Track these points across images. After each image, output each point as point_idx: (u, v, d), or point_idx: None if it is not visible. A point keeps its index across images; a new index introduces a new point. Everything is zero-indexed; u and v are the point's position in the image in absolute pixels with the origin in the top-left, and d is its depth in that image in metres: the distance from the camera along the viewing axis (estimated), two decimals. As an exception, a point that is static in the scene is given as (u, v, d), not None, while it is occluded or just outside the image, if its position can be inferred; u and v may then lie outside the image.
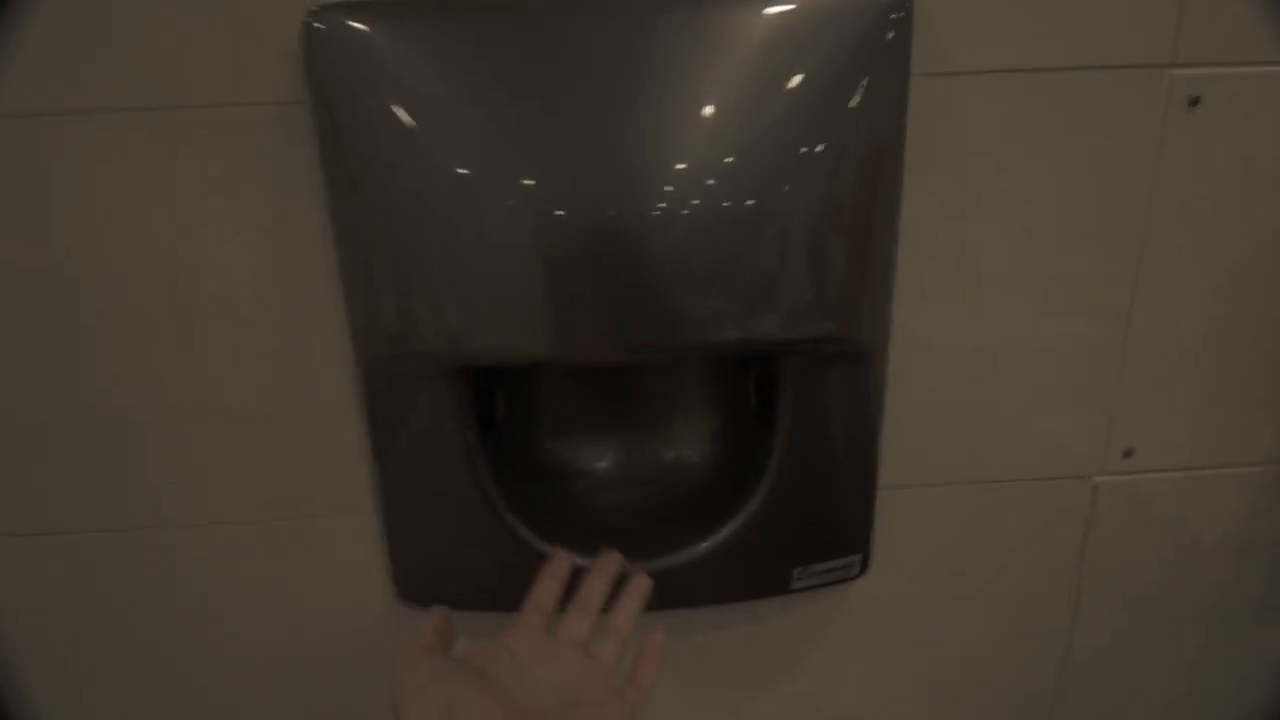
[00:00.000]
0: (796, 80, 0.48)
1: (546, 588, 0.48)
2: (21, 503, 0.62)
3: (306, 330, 0.57)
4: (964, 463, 0.65)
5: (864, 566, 0.64)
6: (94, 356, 0.57)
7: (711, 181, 0.48)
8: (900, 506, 0.65)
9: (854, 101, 0.49)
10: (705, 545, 0.59)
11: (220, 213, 0.54)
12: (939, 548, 0.68)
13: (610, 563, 0.50)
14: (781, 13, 0.47)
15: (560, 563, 0.50)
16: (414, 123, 0.47)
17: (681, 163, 0.47)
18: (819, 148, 0.49)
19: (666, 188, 0.48)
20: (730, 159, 0.48)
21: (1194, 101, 0.55)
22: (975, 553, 0.68)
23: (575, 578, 0.49)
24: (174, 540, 0.63)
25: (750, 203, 0.48)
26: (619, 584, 0.50)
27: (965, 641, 0.71)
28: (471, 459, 0.54)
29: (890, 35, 0.49)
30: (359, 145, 0.48)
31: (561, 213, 0.47)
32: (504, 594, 0.48)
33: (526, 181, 0.47)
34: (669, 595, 0.62)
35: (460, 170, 0.47)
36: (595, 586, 0.48)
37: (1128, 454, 0.65)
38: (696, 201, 0.48)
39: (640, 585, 0.49)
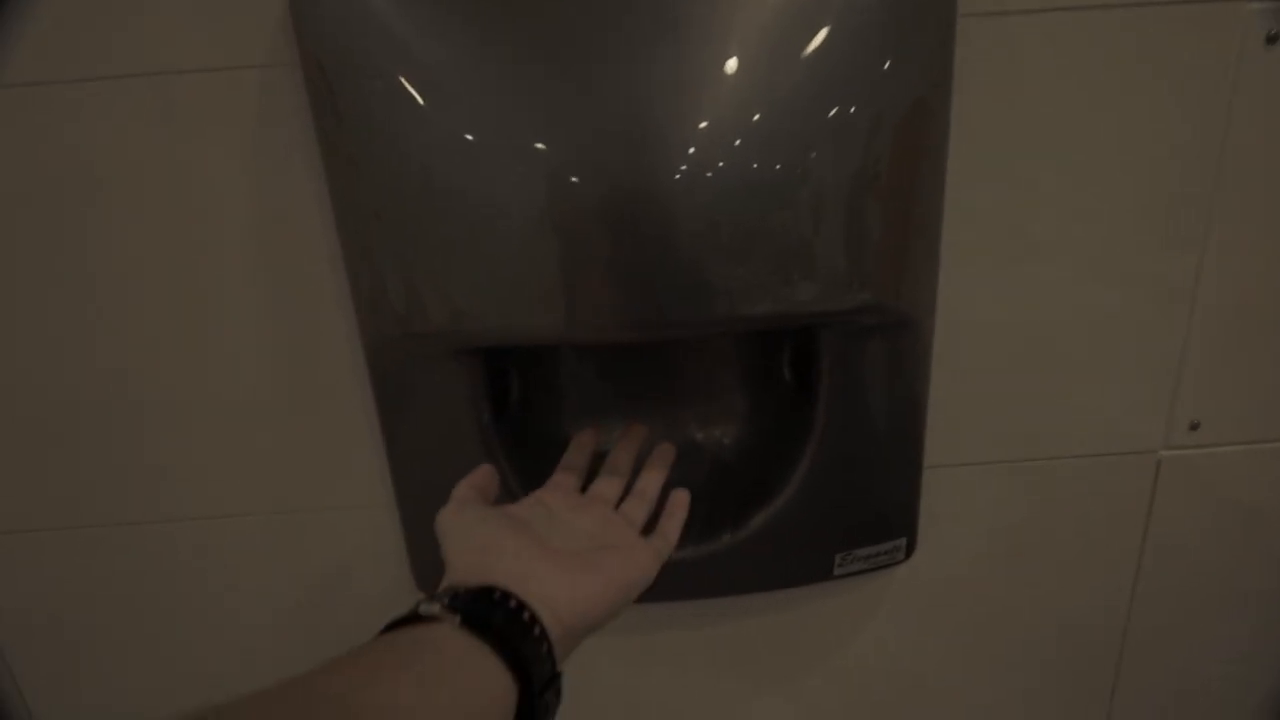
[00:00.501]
0: (829, 26, 0.44)
1: (576, 454, 0.51)
2: (19, 499, 0.61)
3: (309, 310, 0.54)
4: (1016, 440, 0.61)
5: (910, 550, 0.61)
6: (93, 343, 0.56)
7: (738, 142, 0.44)
8: (948, 487, 0.61)
9: (894, 48, 0.45)
10: (742, 532, 0.56)
11: (217, 188, 0.52)
12: (990, 530, 0.64)
13: (636, 434, 0.53)
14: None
15: (588, 434, 0.52)
16: (411, 86, 0.43)
17: (705, 121, 0.43)
18: (855, 101, 0.44)
19: (689, 149, 0.43)
20: (758, 117, 0.44)
21: (1273, 38, 0.50)
22: (1029, 535, 0.64)
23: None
24: (183, 534, 0.62)
25: (780, 165, 0.44)
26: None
27: (1018, 628, 0.68)
28: (487, 443, 0.51)
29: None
30: (353, 112, 0.45)
31: (575, 178, 0.43)
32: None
33: (537, 145, 0.43)
34: (705, 584, 0.59)
35: (464, 135, 0.43)
36: (623, 454, 0.51)
37: (1194, 427, 0.61)
38: (722, 164, 0.43)
39: (664, 453, 0.52)
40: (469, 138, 0.43)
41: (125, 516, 0.61)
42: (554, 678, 0.35)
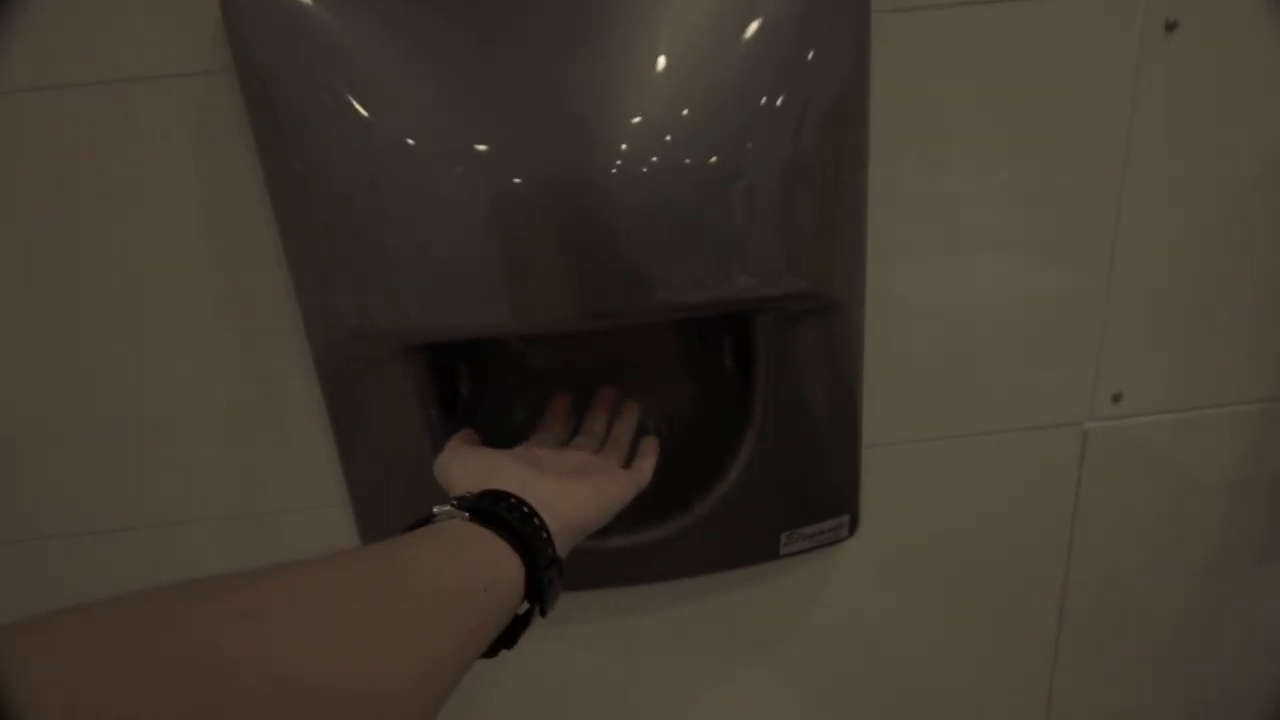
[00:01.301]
0: (751, 24, 0.46)
1: (553, 419, 0.55)
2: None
3: (257, 312, 0.55)
4: (949, 417, 0.63)
5: (853, 527, 0.63)
6: (42, 352, 0.56)
7: (669, 137, 0.45)
8: (887, 464, 0.63)
9: (813, 43, 0.47)
10: (690, 515, 0.58)
11: (161, 195, 0.52)
12: (929, 504, 0.66)
13: (607, 397, 0.57)
14: (730, -49, 0.45)
15: (562, 401, 0.57)
16: (345, 90, 0.44)
17: (636, 117, 0.45)
18: (779, 95, 0.47)
19: (622, 145, 0.45)
20: (687, 111, 0.46)
21: (1171, 26, 0.53)
22: (966, 507, 0.67)
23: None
24: (140, 542, 0.61)
25: (710, 158, 0.46)
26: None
27: (961, 595, 0.70)
28: (436, 440, 0.52)
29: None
30: (289, 117, 0.46)
31: (511, 175, 0.44)
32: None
33: (474, 146, 0.44)
34: (654, 568, 0.61)
35: (400, 137, 0.44)
36: (598, 416, 0.56)
37: (1116, 398, 0.64)
38: (655, 158, 0.45)
39: (631, 410, 0.57)
40: (407, 140, 0.44)
41: (80, 526, 0.61)
42: (555, 560, 0.39)
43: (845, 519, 0.62)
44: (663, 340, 0.61)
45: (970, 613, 0.71)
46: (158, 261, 0.54)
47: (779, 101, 0.47)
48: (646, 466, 0.52)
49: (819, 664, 0.72)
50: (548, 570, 0.38)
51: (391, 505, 0.57)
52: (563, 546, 0.41)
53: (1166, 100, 0.55)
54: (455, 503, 0.39)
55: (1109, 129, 0.56)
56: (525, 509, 0.39)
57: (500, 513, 0.38)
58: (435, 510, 0.38)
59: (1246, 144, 0.57)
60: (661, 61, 0.46)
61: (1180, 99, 0.55)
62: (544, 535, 0.39)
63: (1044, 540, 0.69)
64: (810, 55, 0.47)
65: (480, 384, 0.58)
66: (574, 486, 0.44)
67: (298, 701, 0.24)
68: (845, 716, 0.75)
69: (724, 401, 0.59)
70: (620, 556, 0.58)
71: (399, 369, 0.50)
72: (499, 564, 0.36)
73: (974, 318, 0.60)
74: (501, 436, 0.52)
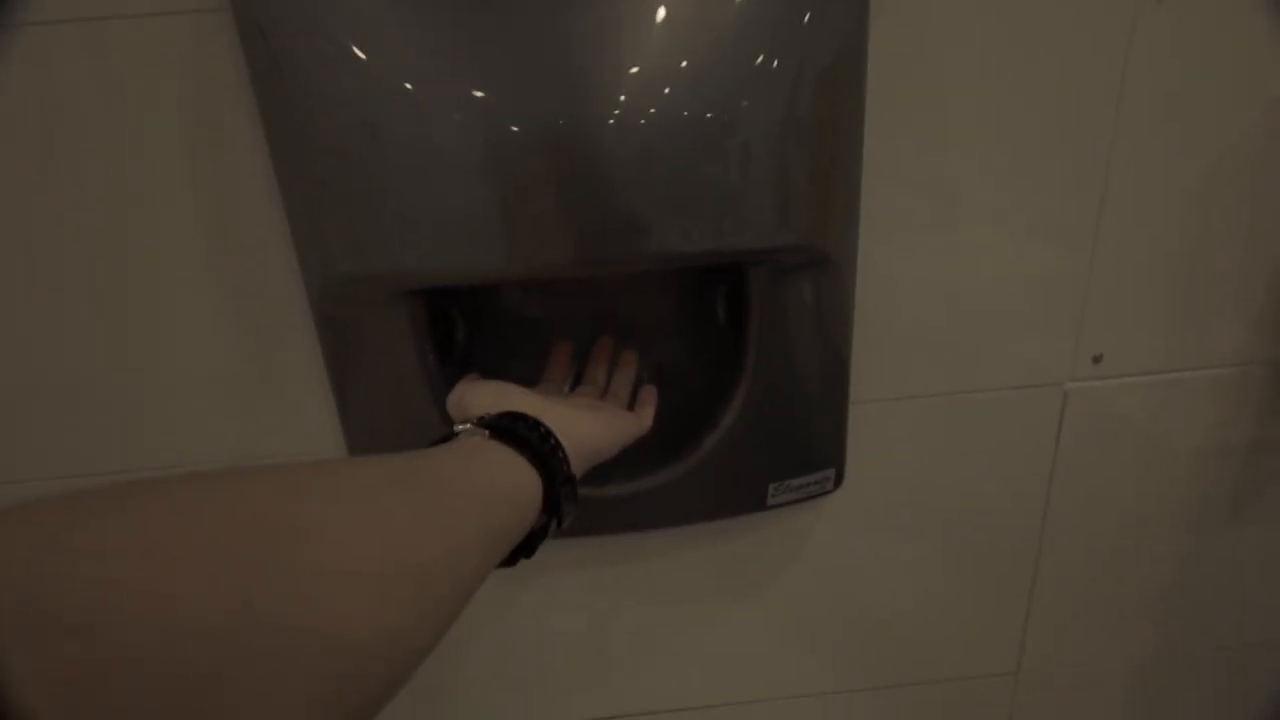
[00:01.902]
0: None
1: (556, 368, 0.57)
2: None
3: (253, 258, 0.55)
4: (934, 375, 0.65)
5: (839, 480, 0.64)
6: (32, 297, 0.56)
7: (667, 90, 0.46)
8: (872, 420, 0.65)
9: (810, 5, 0.47)
10: (681, 464, 0.59)
11: (153, 136, 0.52)
12: (912, 460, 0.68)
13: (605, 346, 0.59)
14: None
15: (563, 348, 0.58)
16: (344, 33, 0.44)
17: (634, 68, 0.45)
18: (777, 52, 0.47)
19: (620, 96, 0.45)
20: (685, 64, 0.46)
21: (1161, -3, 0.54)
22: (948, 463, 0.68)
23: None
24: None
25: (707, 111, 0.46)
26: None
27: (942, 548, 0.73)
28: (433, 387, 0.53)
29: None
30: (284, 60, 0.45)
31: (509, 123, 0.45)
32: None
33: (472, 92, 0.45)
34: (645, 516, 0.62)
35: (400, 83, 0.44)
36: (598, 365, 0.57)
37: (1097, 359, 0.65)
38: (653, 110, 0.46)
39: (630, 360, 0.59)
40: (405, 85, 0.44)
41: (76, 471, 0.62)
42: (569, 478, 0.41)
43: (831, 472, 0.64)
44: (657, 293, 0.61)
45: (949, 565, 0.73)
46: (151, 208, 0.54)
47: (775, 60, 0.47)
48: (647, 413, 0.54)
49: (803, 611, 0.74)
50: (563, 486, 0.40)
51: (387, 451, 0.58)
52: (577, 467, 0.42)
53: (1155, 71, 0.56)
54: (475, 421, 0.40)
55: (1102, 94, 0.56)
56: (542, 429, 0.41)
57: (519, 431, 0.40)
58: (456, 428, 0.40)
59: (1230, 114, 0.58)
60: (661, 13, 0.46)
61: (1169, 70, 0.56)
62: (560, 454, 0.41)
63: (1022, 496, 0.71)
64: (807, 17, 0.47)
65: (476, 333, 0.59)
66: (587, 415, 0.46)
67: (342, 572, 0.25)
68: (827, 661, 0.77)
69: (716, 354, 0.60)
70: (611, 505, 0.59)
71: (396, 314, 0.51)
72: (518, 477, 0.38)
73: (960, 281, 0.62)
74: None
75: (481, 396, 0.46)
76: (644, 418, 0.53)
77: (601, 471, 0.52)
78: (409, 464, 0.33)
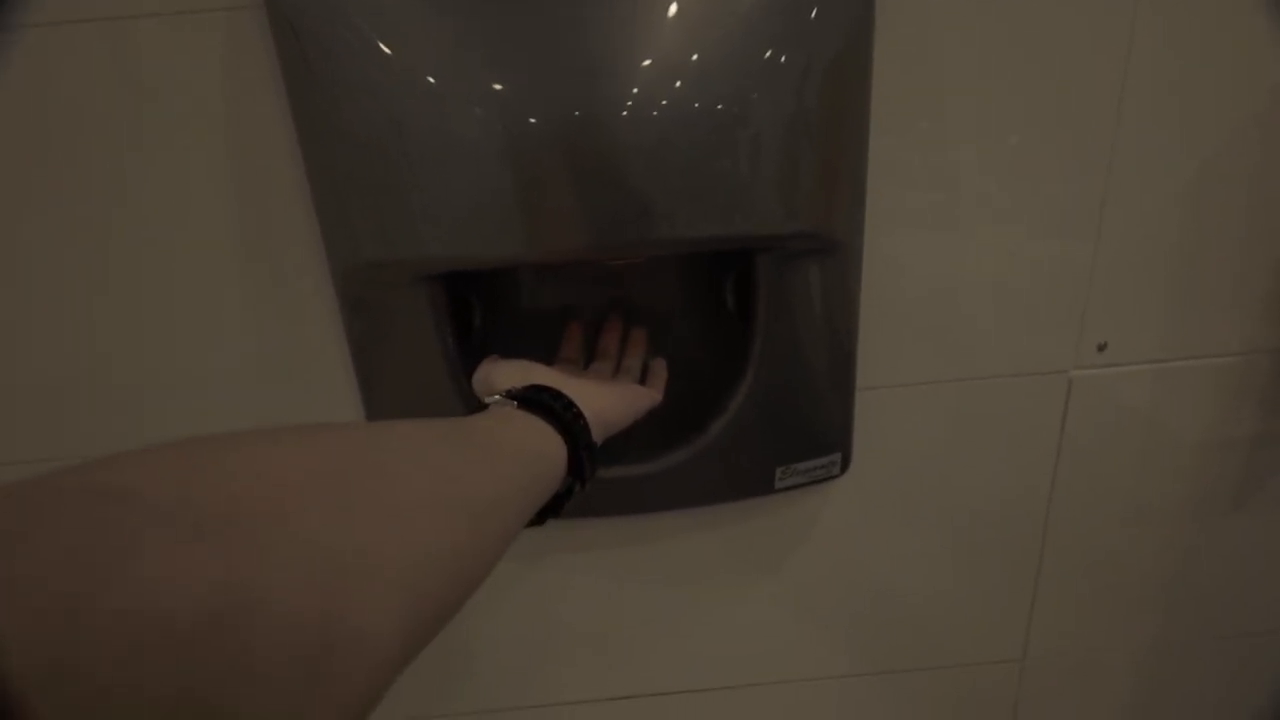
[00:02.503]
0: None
1: (570, 346, 0.60)
2: None
3: (280, 246, 0.57)
4: (940, 363, 0.66)
5: (845, 465, 0.66)
6: (63, 281, 0.58)
7: (679, 82, 0.48)
8: (879, 407, 0.66)
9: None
10: (690, 447, 0.61)
11: (185, 128, 0.54)
12: (918, 446, 0.69)
13: (616, 325, 0.62)
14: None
15: (575, 329, 0.61)
16: (372, 29, 0.46)
17: (647, 60, 0.47)
18: (784, 44, 0.49)
19: (634, 88, 0.47)
20: (696, 57, 0.48)
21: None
22: (954, 450, 0.70)
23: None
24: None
25: (719, 105, 0.48)
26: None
27: (948, 533, 0.74)
28: (452, 369, 0.55)
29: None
30: (317, 56, 0.48)
31: (527, 115, 0.47)
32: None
33: (492, 85, 0.47)
34: (655, 498, 0.64)
35: (423, 75, 0.46)
36: (609, 342, 0.60)
37: (1101, 348, 0.66)
38: (665, 102, 0.48)
39: (639, 338, 0.61)
40: (428, 79, 0.47)
41: (101, 449, 0.64)
42: (591, 444, 0.44)
43: (838, 456, 0.65)
44: (667, 280, 0.63)
45: (954, 552, 0.75)
46: (182, 196, 0.56)
47: (784, 53, 0.49)
48: (659, 386, 0.57)
49: (809, 595, 0.75)
50: (585, 450, 0.43)
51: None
52: (596, 436, 0.46)
53: (1157, 62, 0.57)
54: (504, 394, 0.44)
55: (1106, 82, 0.57)
56: (565, 399, 0.44)
57: (544, 400, 0.43)
58: (487, 400, 0.44)
59: (1231, 105, 0.59)
60: (673, 9, 0.48)
61: (1170, 62, 0.57)
62: (582, 422, 0.44)
63: (1027, 483, 0.72)
64: (814, 12, 0.49)
65: (493, 318, 0.61)
66: (605, 389, 0.50)
67: (407, 507, 0.28)
68: (833, 645, 0.78)
69: (724, 339, 0.61)
70: (620, 487, 0.61)
71: (417, 299, 0.53)
72: (546, 441, 0.41)
73: (966, 269, 0.63)
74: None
75: (507, 373, 0.49)
76: (655, 391, 0.56)
77: (612, 453, 0.54)
78: (452, 425, 0.37)
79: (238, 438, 0.26)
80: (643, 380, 0.57)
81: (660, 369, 0.59)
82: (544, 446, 0.41)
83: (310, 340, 0.60)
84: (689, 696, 0.79)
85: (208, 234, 0.57)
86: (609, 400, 0.49)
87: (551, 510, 0.42)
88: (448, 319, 0.54)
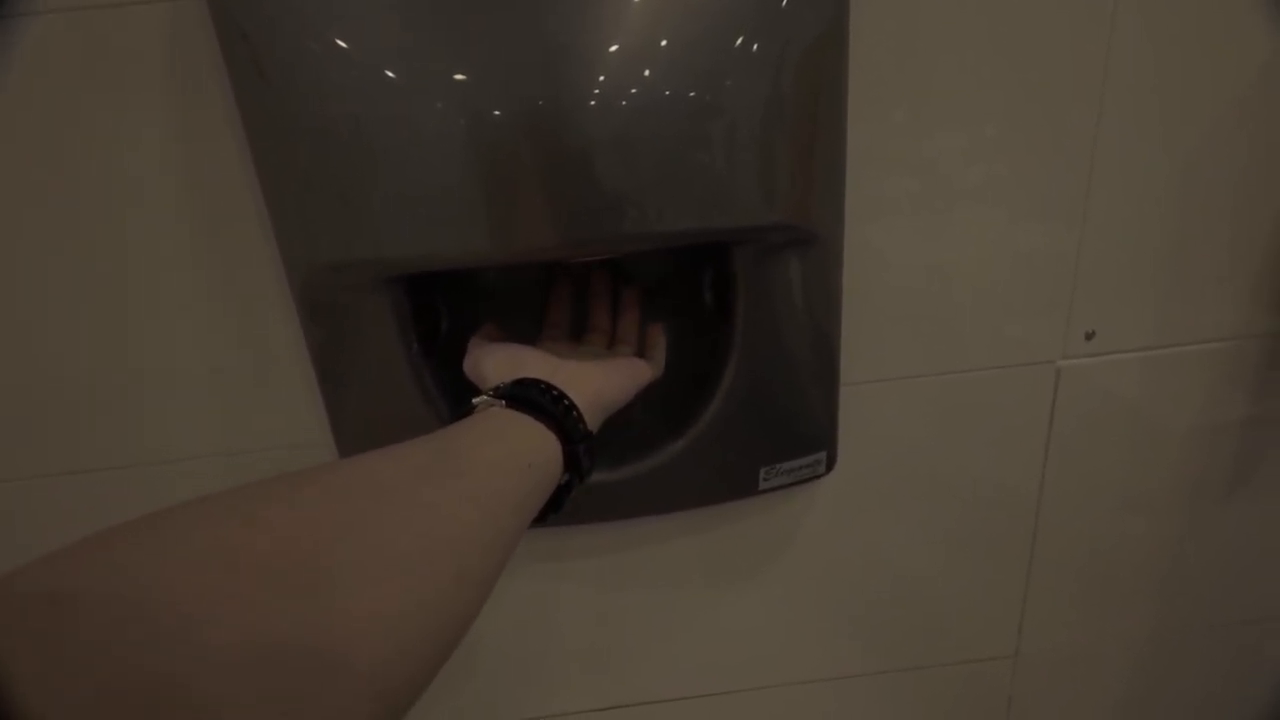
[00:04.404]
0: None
1: (557, 309, 0.58)
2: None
3: (234, 250, 0.55)
4: (925, 356, 0.64)
5: (830, 463, 0.64)
6: (13, 289, 0.55)
7: (648, 71, 0.46)
8: (864, 402, 0.65)
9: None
10: (671, 449, 0.59)
11: (131, 128, 0.52)
12: (905, 442, 0.68)
13: (602, 284, 0.59)
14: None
15: (562, 286, 0.59)
16: (319, 20, 0.44)
17: (614, 47, 0.45)
18: (756, 31, 0.47)
19: (600, 76, 0.45)
20: (665, 44, 0.46)
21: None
22: (942, 445, 0.68)
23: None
24: (131, 481, 0.62)
25: (690, 92, 0.46)
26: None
27: (937, 530, 0.72)
28: (417, 374, 0.53)
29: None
30: (262, 49, 0.45)
31: (491, 107, 0.44)
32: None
33: (452, 76, 0.44)
34: (635, 503, 0.62)
35: (380, 70, 0.44)
36: (600, 310, 0.57)
37: (1089, 336, 0.65)
38: (634, 90, 0.45)
39: (632, 300, 0.58)
40: (385, 72, 0.44)
41: (69, 465, 0.61)
42: (587, 436, 0.43)
43: (823, 455, 0.63)
44: (643, 277, 0.61)
45: (945, 548, 0.73)
46: (130, 200, 0.53)
47: (756, 38, 0.47)
48: (658, 356, 0.55)
49: (798, 597, 0.74)
50: (581, 444, 0.42)
51: (374, 442, 0.57)
52: (593, 421, 0.44)
53: (1141, 47, 0.56)
54: (491, 393, 0.42)
55: (1088, 67, 0.56)
56: (555, 392, 0.43)
57: (533, 397, 0.42)
58: (475, 401, 0.42)
59: (1217, 87, 0.58)
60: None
61: (1154, 45, 0.56)
62: (574, 414, 0.43)
63: (1017, 476, 0.70)
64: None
65: (460, 321, 0.58)
66: (598, 368, 0.48)
67: (387, 568, 0.26)
68: (823, 647, 0.77)
69: (704, 338, 0.59)
70: (601, 492, 0.59)
71: (380, 302, 0.50)
72: (538, 443, 0.40)
73: (950, 260, 0.61)
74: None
75: (495, 363, 0.48)
76: (655, 361, 0.54)
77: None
78: (436, 449, 0.35)
79: (188, 513, 0.24)
80: (641, 351, 0.55)
81: (657, 336, 0.56)
82: (536, 455, 0.39)
83: (270, 347, 0.58)
84: (679, 704, 0.78)
85: (157, 240, 0.55)
86: (605, 380, 0.47)
87: (553, 507, 0.41)
88: (411, 324, 0.52)
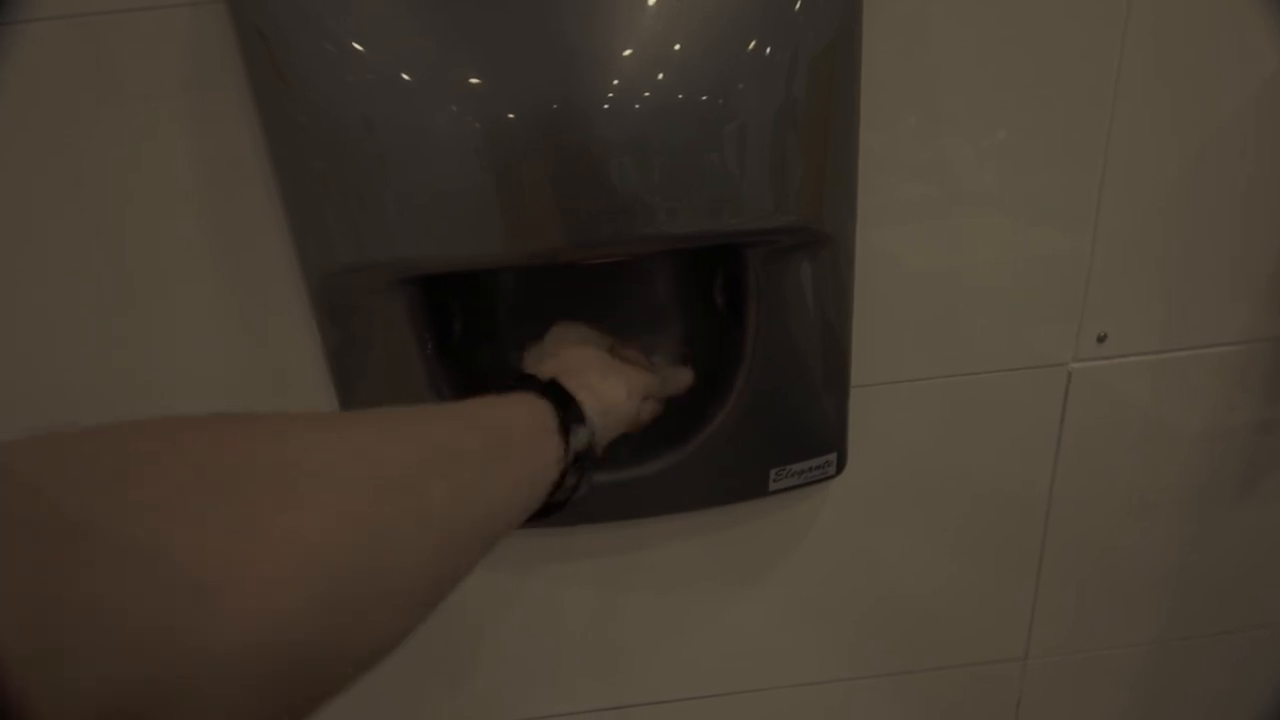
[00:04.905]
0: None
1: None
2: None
3: (251, 253, 0.55)
4: (937, 358, 0.65)
5: (841, 465, 0.64)
6: (28, 288, 0.56)
7: (661, 74, 0.46)
8: (875, 404, 0.65)
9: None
10: (682, 450, 0.59)
11: (149, 133, 0.52)
12: (916, 444, 0.68)
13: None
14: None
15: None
16: (337, 23, 0.44)
17: (628, 50, 0.45)
18: (769, 34, 0.47)
19: (614, 80, 0.45)
20: (678, 47, 0.46)
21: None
22: (952, 447, 0.68)
23: None
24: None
25: (703, 96, 0.46)
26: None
27: (947, 532, 0.72)
28: (432, 374, 0.53)
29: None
30: (281, 52, 0.45)
31: (505, 110, 0.45)
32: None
33: (468, 80, 0.45)
34: (647, 503, 0.62)
35: (396, 73, 0.45)
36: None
37: (1101, 339, 0.65)
38: (647, 94, 0.46)
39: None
40: (401, 75, 0.45)
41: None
42: (580, 413, 0.42)
43: (833, 457, 0.63)
44: (654, 280, 0.61)
45: (955, 550, 0.73)
46: (146, 204, 0.54)
47: (769, 42, 0.47)
48: (685, 373, 0.55)
49: (807, 598, 0.74)
50: (571, 412, 0.41)
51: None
52: (601, 408, 0.44)
53: (1152, 50, 0.56)
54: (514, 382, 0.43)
55: (1097, 77, 0.56)
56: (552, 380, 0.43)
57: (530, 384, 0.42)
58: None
59: (1227, 91, 0.58)
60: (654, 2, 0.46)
61: (1165, 48, 0.56)
62: (566, 390, 0.43)
63: (1028, 478, 0.70)
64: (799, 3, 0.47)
65: (474, 322, 0.59)
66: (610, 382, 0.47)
67: (284, 502, 0.25)
68: (832, 649, 0.77)
69: (715, 340, 0.59)
70: (613, 492, 0.59)
71: (395, 303, 0.51)
72: (517, 404, 0.40)
73: (962, 262, 0.61)
74: (497, 373, 0.52)
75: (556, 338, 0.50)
76: (681, 373, 0.55)
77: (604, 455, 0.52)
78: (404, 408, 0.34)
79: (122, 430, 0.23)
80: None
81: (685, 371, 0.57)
82: (512, 410, 0.38)
83: (285, 349, 0.58)
84: (688, 705, 0.78)
85: (175, 242, 0.55)
86: (614, 394, 0.46)
87: (558, 503, 0.40)
88: (426, 324, 0.52)
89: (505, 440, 0.36)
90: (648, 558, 0.70)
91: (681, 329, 0.62)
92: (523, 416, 0.39)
